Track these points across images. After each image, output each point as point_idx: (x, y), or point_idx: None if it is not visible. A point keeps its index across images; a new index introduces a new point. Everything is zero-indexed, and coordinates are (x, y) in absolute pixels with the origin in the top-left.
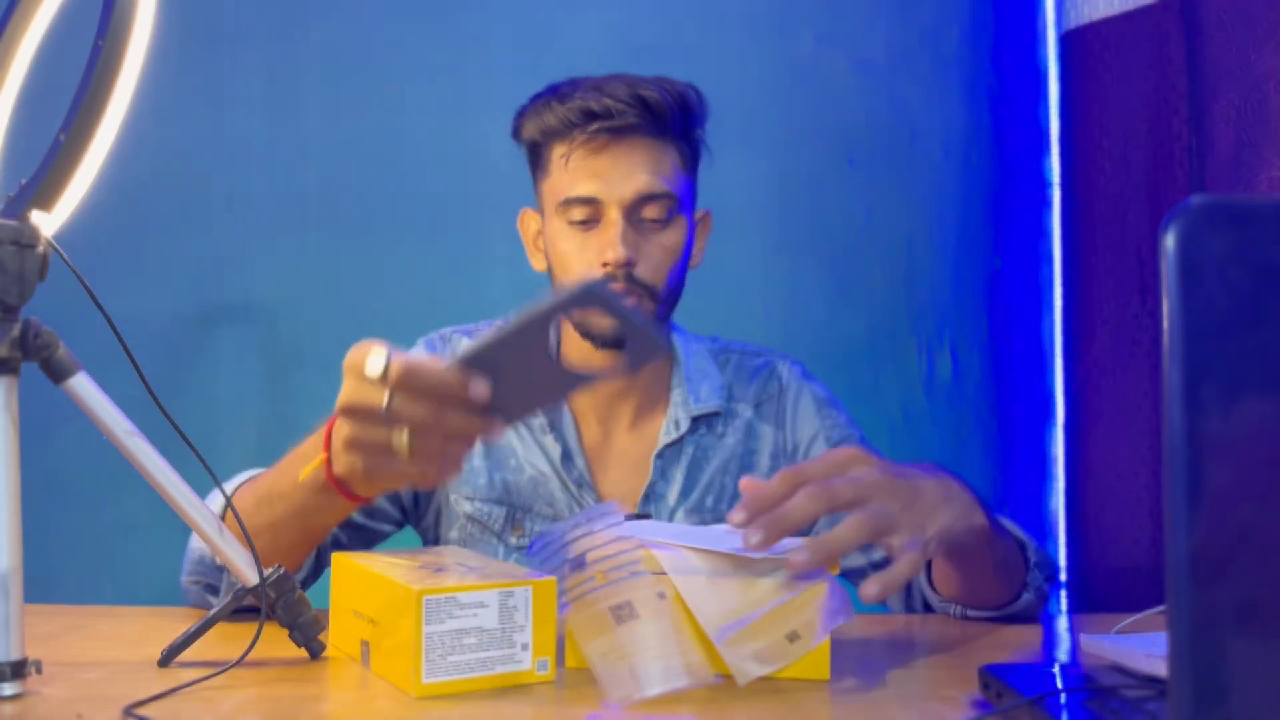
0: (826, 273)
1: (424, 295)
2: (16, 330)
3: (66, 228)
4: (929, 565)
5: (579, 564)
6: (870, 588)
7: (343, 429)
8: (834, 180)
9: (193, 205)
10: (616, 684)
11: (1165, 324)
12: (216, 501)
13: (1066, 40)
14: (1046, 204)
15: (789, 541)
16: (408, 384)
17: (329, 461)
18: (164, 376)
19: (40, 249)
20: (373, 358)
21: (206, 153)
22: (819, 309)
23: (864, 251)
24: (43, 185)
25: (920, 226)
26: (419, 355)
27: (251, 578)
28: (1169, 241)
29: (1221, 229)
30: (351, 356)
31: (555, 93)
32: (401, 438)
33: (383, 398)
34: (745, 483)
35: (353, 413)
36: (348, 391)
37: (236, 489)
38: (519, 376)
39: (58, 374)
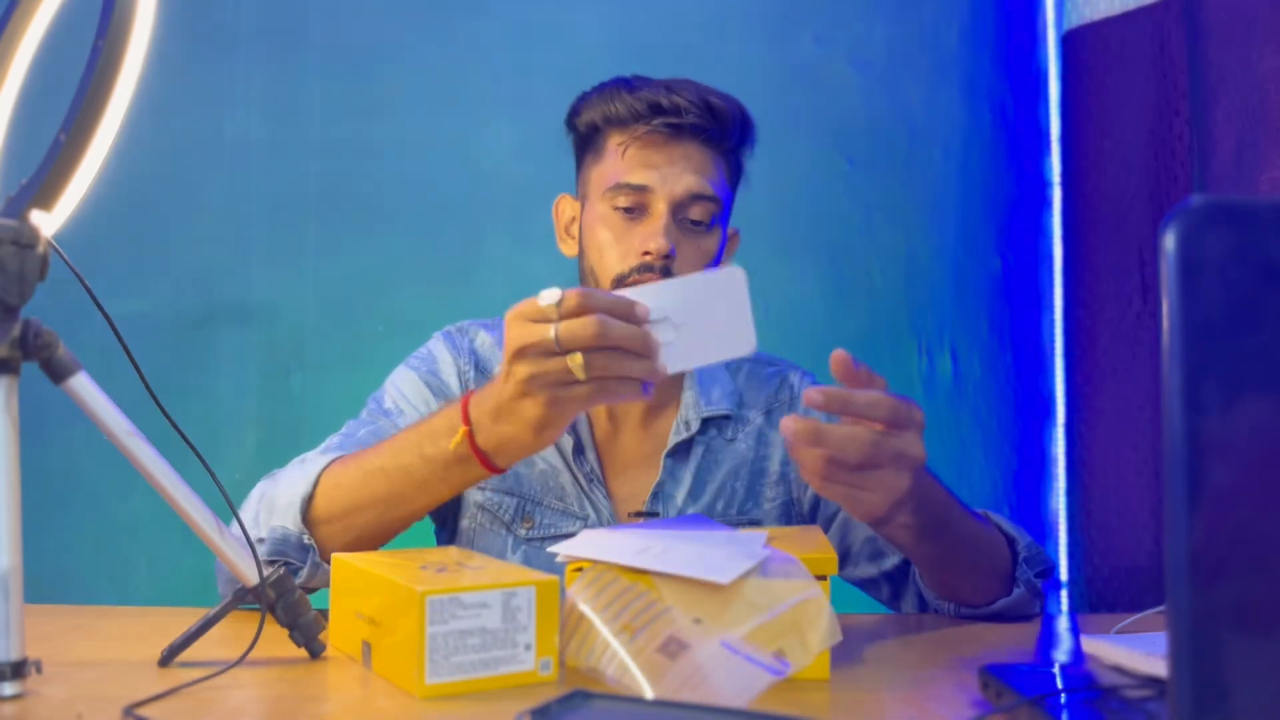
0: (826, 273)
1: (424, 295)
2: (16, 330)
3: (66, 228)
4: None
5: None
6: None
7: (518, 371)
8: (834, 180)
9: (193, 205)
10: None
11: (1165, 324)
12: (295, 485)
13: (1068, 40)
14: (1047, 204)
15: (756, 538)
16: (582, 305)
17: (471, 434)
18: (164, 376)
19: (40, 249)
20: (546, 291)
21: (206, 153)
22: (819, 309)
23: (864, 251)
24: (43, 185)
25: (920, 226)
26: (487, 338)
27: (252, 578)
28: (1169, 242)
29: (1221, 229)
30: (517, 307)
31: (625, 84)
32: (577, 359)
33: (550, 330)
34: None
35: (525, 351)
36: (515, 334)
37: (327, 466)
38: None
39: (58, 374)
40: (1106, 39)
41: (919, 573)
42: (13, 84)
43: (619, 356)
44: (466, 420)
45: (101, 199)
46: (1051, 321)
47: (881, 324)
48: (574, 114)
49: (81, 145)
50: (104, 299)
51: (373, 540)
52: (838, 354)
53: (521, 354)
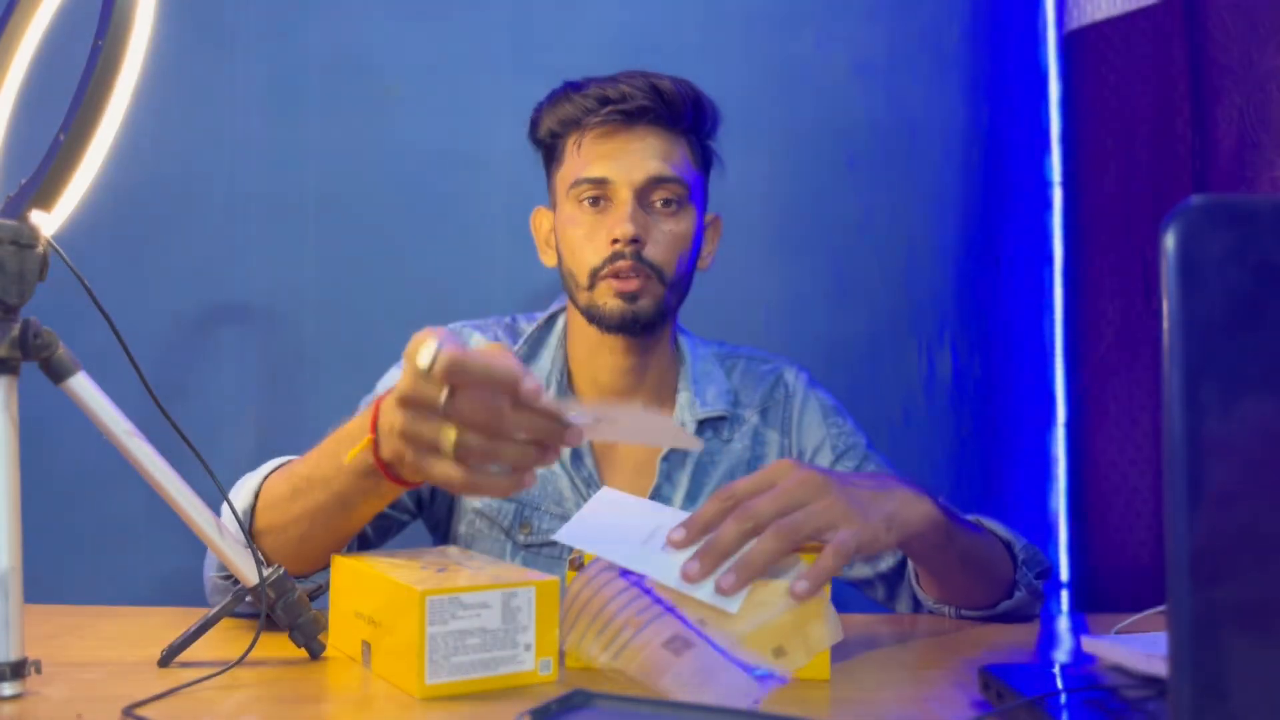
0: (826, 273)
1: (424, 295)
2: (16, 330)
3: (66, 228)
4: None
5: (602, 618)
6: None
7: (394, 417)
8: (833, 180)
9: (193, 205)
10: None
11: (1165, 324)
12: (238, 499)
13: (1069, 40)
14: (1047, 204)
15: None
16: (456, 379)
17: (376, 444)
18: (164, 376)
19: (40, 249)
20: (424, 349)
21: (206, 153)
22: (819, 309)
23: (864, 251)
24: (43, 185)
25: (920, 226)
26: (478, 345)
27: (251, 578)
28: (1169, 241)
29: (1221, 229)
30: (410, 345)
31: (573, 86)
32: (449, 434)
33: (440, 393)
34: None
35: (407, 404)
36: (404, 381)
37: (268, 476)
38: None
39: (58, 374)
40: (1108, 39)
41: (921, 583)
42: (13, 84)
43: (504, 446)
44: (374, 427)
45: (101, 199)
46: (1052, 321)
47: (881, 324)
48: (533, 127)
49: (81, 145)
50: (104, 299)
51: (316, 554)
52: (672, 537)
53: (404, 403)
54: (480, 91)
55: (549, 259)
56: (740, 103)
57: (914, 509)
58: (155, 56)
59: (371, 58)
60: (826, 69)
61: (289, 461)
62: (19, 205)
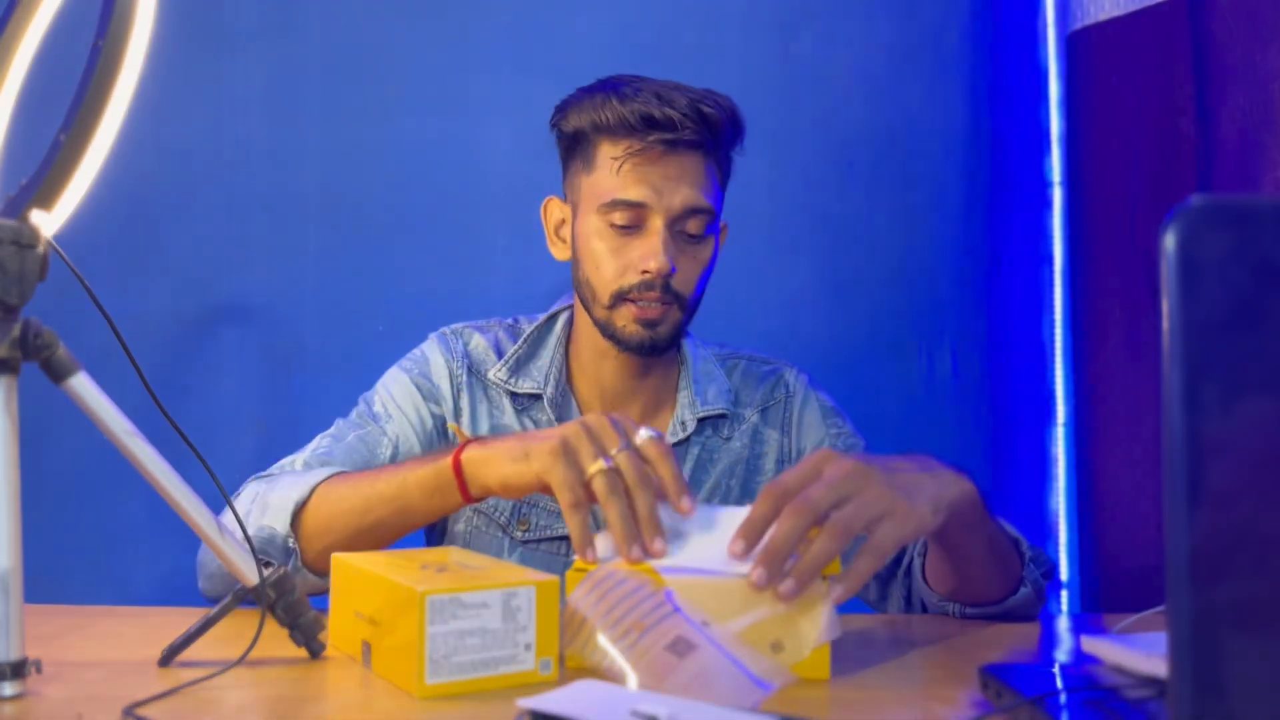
0: (826, 273)
1: (424, 295)
2: (16, 330)
3: (66, 228)
4: (923, 564)
5: (609, 621)
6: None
7: (570, 430)
8: (834, 180)
9: (193, 205)
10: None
11: (1165, 324)
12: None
13: (1072, 40)
14: (1047, 204)
15: None
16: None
17: (460, 449)
18: (164, 376)
19: (40, 249)
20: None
21: (206, 153)
22: (819, 309)
23: (864, 251)
24: (43, 185)
25: (920, 226)
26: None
27: (251, 578)
28: (1169, 241)
29: (1221, 229)
30: (594, 422)
31: (615, 90)
32: (599, 463)
33: (620, 445)
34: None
35: (591, 430)
36: (596, 423)
37: (327, 478)
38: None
39: (58, 374)
40: (1111, 39)
41: (930, 578)
42: (13, 84)
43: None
44: (456, 466)
45: (101, 199)
46: (1052, 321)
47: (881, 324)
48: (560, 117)
49: (81, 145)
50: (104, 299)
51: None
52: (733, 549)
53: (587, 430)
54: (480, 91)
55: (559, 252)
56: (740, 103)
57: (957, 487)
58: (155, 56)
59: (371, 58)
60: (827, 70)
61: (344, 473)
62: (19, 205)
